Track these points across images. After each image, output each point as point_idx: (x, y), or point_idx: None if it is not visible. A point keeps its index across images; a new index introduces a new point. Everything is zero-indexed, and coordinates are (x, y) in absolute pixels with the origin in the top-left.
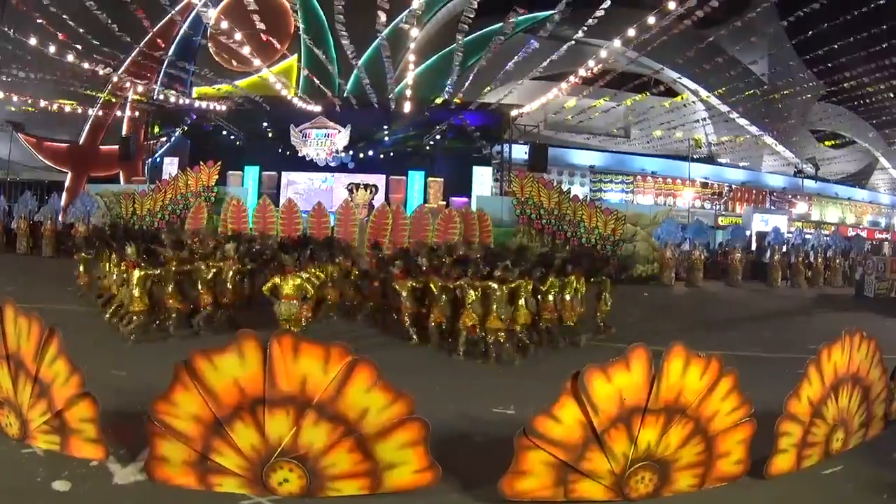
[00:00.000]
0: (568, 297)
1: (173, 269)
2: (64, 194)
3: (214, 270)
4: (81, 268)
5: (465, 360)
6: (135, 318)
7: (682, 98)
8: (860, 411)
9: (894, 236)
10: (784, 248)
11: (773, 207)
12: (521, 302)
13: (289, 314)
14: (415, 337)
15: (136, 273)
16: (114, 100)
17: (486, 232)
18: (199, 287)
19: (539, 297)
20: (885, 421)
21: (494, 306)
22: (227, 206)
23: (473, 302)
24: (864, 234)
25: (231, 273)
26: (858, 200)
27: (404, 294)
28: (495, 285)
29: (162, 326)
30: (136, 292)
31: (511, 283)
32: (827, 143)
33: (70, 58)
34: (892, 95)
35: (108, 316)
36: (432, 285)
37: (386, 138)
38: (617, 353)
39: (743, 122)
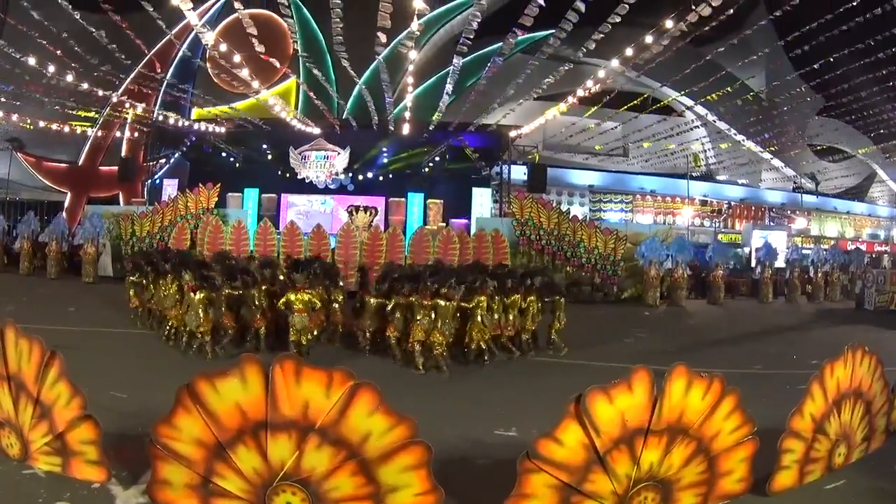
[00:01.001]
0: (511, 316)
1: (225, 292)
2: (63, 215)
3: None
4: (132, 292)
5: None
6: (199, 336)
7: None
8: (862, 425)
9: (893, 248)
10: (774, 264)
11: (772, 223)
12: (478, 318)
13: (301, 325)
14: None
15: (198, 295)
16: (113, 120)
17: (503, 253)
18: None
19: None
20: (886, 433)
21: (438, 322)
22: (206, 227)
23: (422, 318)
24: (863, 247)
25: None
26: (857, 214)
27: (369, 312)
28: (442, 302)
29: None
30: (199, 313)
31: (459, 301)
32: (826, 157)
33: (69, 78)
34: (889, 107)
35: (164, 337)
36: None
37: (385, 160)
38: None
39: (741, 138)
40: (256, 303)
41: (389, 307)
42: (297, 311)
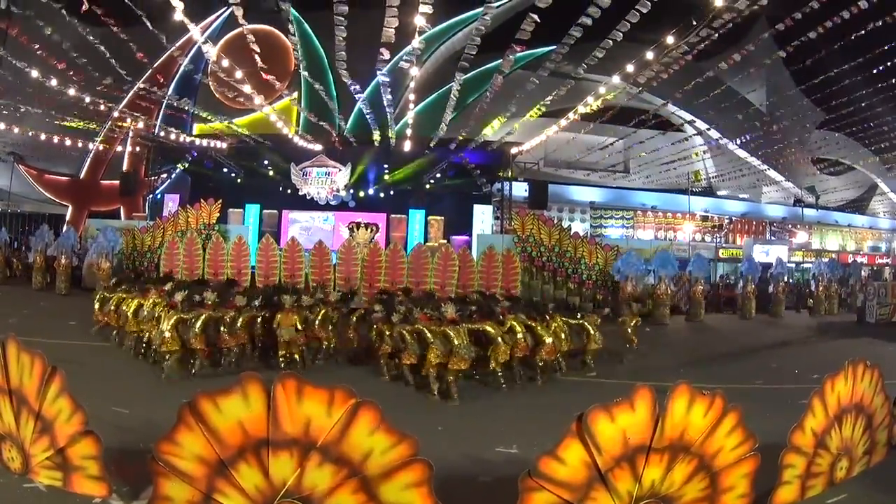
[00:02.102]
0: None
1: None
2: (72, 229)
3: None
4: (97, 306)
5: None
6: (169, 357)
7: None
8: (864, 439)
9: (894, 261)
10: (757, 279)
11: (773, 238)
12: (499, 341)
13: (289, 336)
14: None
15: (169, 314)
16: (115, 135)
17: (513, 275)
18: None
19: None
20: (888, 447)
21: (454, 345)
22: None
23: (435, 342)
24: (864, 259)
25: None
26: (858, 226)
27: (386, 335)
28: (449, 330)
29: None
30: (166, 332)
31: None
32: (827, 170)
33: (71, 91)
34: (890, 119)
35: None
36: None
37: (386, 177)
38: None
39: (742, 153)
40: (228, 321)
41: (399, 335)
42: (285, 325)
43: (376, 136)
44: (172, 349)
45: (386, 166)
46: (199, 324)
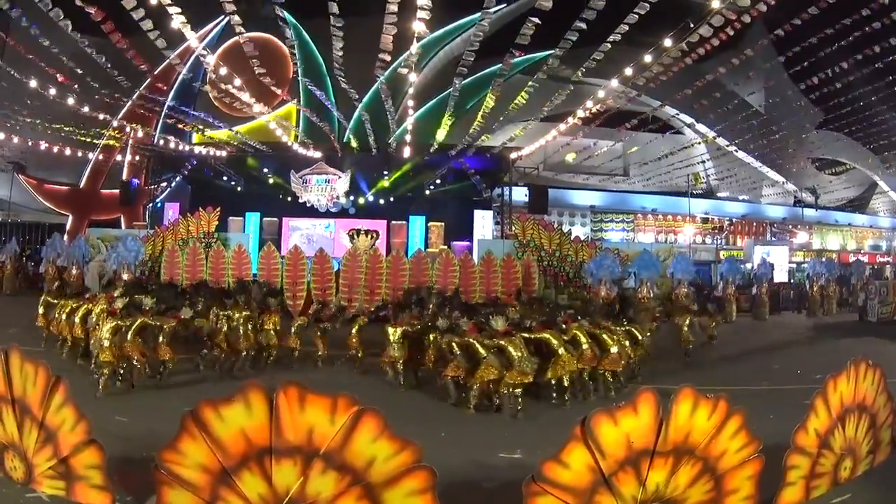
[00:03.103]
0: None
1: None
2: (66, 237)
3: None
4: (41, 310)
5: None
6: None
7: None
8: (867, 438)
9: (895, 259)
10: (738, 280)
11: (773, 238)
12: (561, 351)
13: (268, 340)
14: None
15: (107, 323)
16: (114, 143)
17: (514, 279)
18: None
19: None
20: (892, 445)
21: (514, 359)
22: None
23: (488, 357)
24: (865, 258)
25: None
26: (858, 226)
27: (392, 339)
28: (503, 342)
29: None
30: (104, 342)
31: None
32: (826, 170)
33: (70, 101)
34: (890, 117)
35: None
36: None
37: (386, 183)
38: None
39: (742, 154)
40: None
41: (446, 346)
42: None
43: (373, 142)
44: (107, 360)
45: (386, 172)
46: (132, 331)
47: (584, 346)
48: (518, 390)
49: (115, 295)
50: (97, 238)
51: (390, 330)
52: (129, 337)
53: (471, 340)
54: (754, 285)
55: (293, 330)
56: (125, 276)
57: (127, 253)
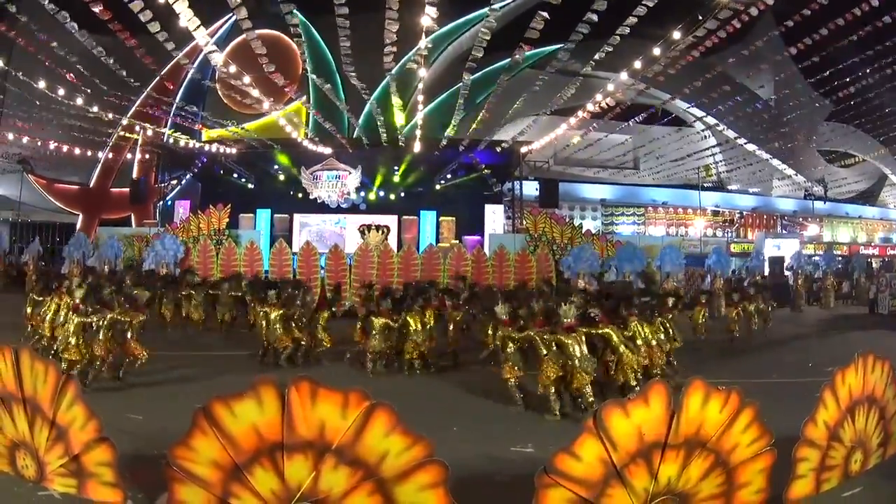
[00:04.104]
0: (654, 341)
1: (108, 317)
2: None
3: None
4: (29, 309)
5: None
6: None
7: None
8: (877, 431)
9: None
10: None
11: (784, 231)
12: (622, 349)
13: (273, 338)
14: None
15: (74, 319)
16: (124, 143)
17: (528, 273)
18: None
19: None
20: None
21: (576, 358)
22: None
23: (549, 354)
24: (875, 251)
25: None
26: (869, 218)
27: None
28: (566, 339)
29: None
30: (71, 339)
31: (589, 331)
32: (836, 162)
33: (80, 101)
34: None
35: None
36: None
37: (397, 178)
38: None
39: (752, 147)
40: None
41: (499, 340)
42: (272, 324)
43: (383, 138)
44: (73, 357)
45: (396, 168)
46: (102, 329)
47: (639, 342)
48: (587, 389)
49: (73, 287)
50: (151, 237)
51: (374, 321)
52: (100, 335)
53: (532, 335)
54: (746, 278)
55: (320, 325)
56: (163, 272)
57: (165, 252)
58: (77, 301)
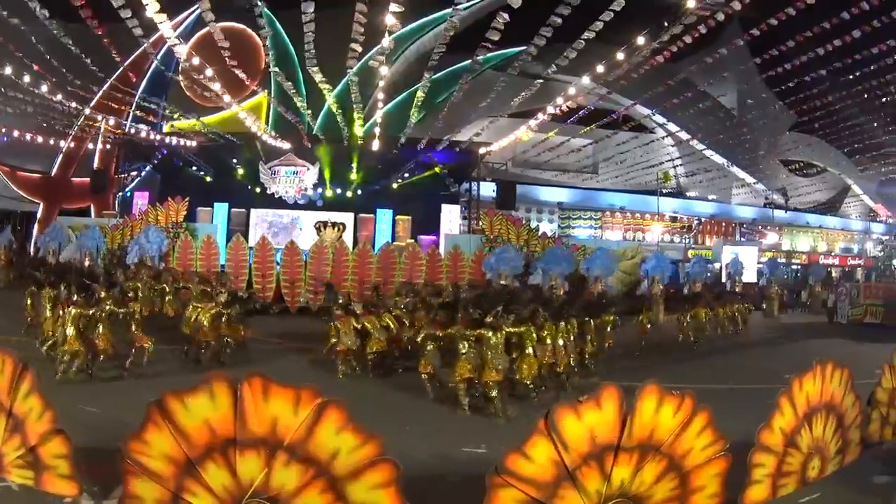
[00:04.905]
0: (561, 342)
1: (107, 309)
2: (36, 226)
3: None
4: (29, 302)
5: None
6: (66, 357)
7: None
8: (836, 438)
9: (867, 262)
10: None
11: (743, 239)
12: (529, 350)
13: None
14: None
15: (72, 311)
16: (85, 133)
17: (483, 274)
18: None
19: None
20: (861, 445)
21: (490, 356)
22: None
23: (468, 352)
24: (836, 261)
25: (210, 315)
26: (830, 228)
27: (344, 332)
28: (489, 333)
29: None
30: (69, 331)
31: (513, 330)
32: (799, 172)
33: (44, 88)
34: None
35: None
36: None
37: (354, 176)
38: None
39: (712, 154)
40: (137, 318)
41: (420, 338)
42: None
43: (343, 134)
44: (73, 349)
45: (354, 165)
46: (104, 320)
47: (549, 342)
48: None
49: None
50: (67, 227)
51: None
52: (100, 328)
53: (451, 331)
54: (685, 284)
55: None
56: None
57: (149, 245)
58: (69, 296)
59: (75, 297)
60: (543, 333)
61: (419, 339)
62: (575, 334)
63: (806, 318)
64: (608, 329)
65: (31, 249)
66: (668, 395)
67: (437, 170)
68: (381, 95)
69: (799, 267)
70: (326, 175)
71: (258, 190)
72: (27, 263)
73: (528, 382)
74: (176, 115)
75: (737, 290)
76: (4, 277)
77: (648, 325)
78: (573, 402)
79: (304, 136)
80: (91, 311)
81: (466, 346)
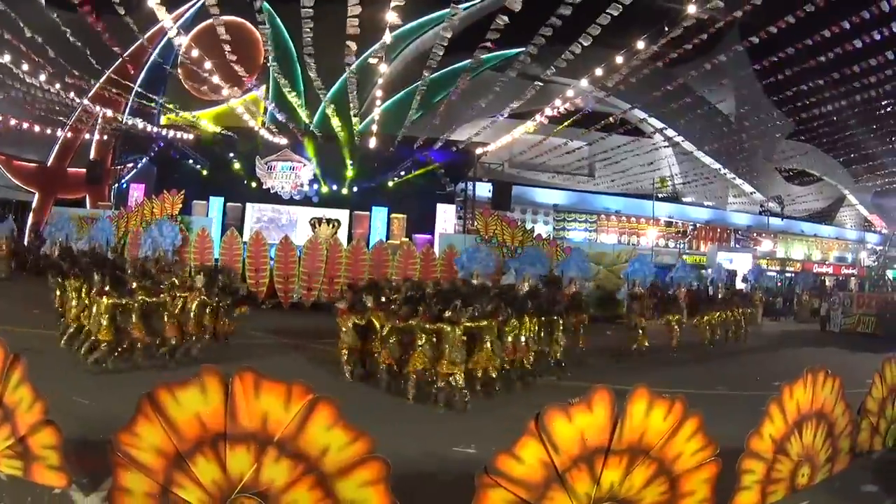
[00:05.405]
0: (523, 338)
1: (139, 299)
2: (31, 215)
3: (181, 302)
4: (57, 292)
5: (414, 403)
6: (102, 346)
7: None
8: (825, 446)
9: (861, 272)
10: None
11: (738, 245)
12: (487, 345)
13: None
14: (348, 375)
15: (105, 301)
16: (83, 124)
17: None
18: (166, 319)
19: (500, 338)
20: (851, 454)
21: (447, 349)
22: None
23: (424, 344)
24: (830, 269)
25: (195, 305)
26: (824, 237)
27: (344, 330)
28: (448, 327)
29: (125, 356)
30: (103, 320)
31: (471, 325)
32: (795, 180)
33: (42, 77)
34: (859, 132)
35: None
36: (377, 323)
37: (350, 173)
38: (577, 391)
39: (709, 160)
40: (170, 311)
41: (386, 331)
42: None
43: (341, 131)
44: (107, 338)
45: (350, 162)
46: (136, 311)
47: (510, 339)
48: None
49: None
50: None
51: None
52: (133, 318)
53: (411, 323)
54: (670, 289)
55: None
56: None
57: (162, 238)
58: (100, 286)
59: (108, 288)
60: (507, 329)
61: (384, 332)
62: (536, 332)
63: (796, 327)
64: (572, 331)
65: (25, 239)
66: (659, 398)
67: (435, 167)
68: (379, 93)
69: (791, 275)
70: (326, 172)
71: (254, 185)
72: (42, 255)
73: (481, 375)
74: (173, 107)
75: (719, 296)
76: (6, 268)
77: (676, 328)
78: (564, 404)
79: (299, 132)
80: (124, 301)
81: (424, 339)
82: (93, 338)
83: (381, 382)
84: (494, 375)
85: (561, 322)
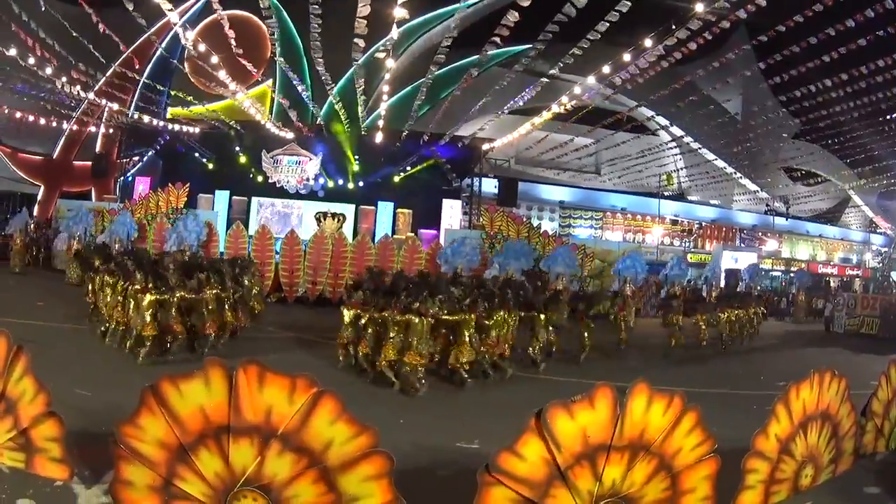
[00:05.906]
0: (494, 333)
1: (178, 295)
2: (36, 207)
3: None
4: (90, 287)
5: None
6: (147, 342)
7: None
8: (829, 447)
9: (865, 273)
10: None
11: (743, 245)
12: (466, 338)
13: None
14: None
15: (147, 297)
16: (88, 117)
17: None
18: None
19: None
20: (855, 456)
21: (414, 340)
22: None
23: (395, 336)
24: (834, 270)
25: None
26: (829, 237)
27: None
28: (415, 318)
29: (167, 350)
30: (146, 316)
31: (449, 318)
32: (801, 180)
33: (49, 70)
34: (866, 133)
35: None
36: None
37: (356, 168)
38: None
39: (714, 158)
40: (210, 307)
41: (363, 321)
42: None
43: (346, 126)
44: (152, 333)
45: (357, 157)
46: (175, 306)
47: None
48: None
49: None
50: (67, 210)
51: (344, 311)
52: (173, 312)
53: (385, 315)
54: (663, 287)
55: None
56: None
57: (187, 233)
58: (143, 283)
59: (149, 284)
60: (489, 323)
61: (362, 323)
62: (512, 326)
63: (797, 327)
64: (553, 327)
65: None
66: (658, 393)
67: (441, 163)
68: (385, 88)
69: (791, 274)
70: (332, 166)
71: (260, 178)
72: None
73: (461, 367)
74: (179, 101)
75: (713, 294)
76: (20, 262)
77: (703, 326)
78: (567, 401)
79: (305, 127)
80: (165, 297)
81: (395, 330)
82: (135, 334)
83: (369, 375)
84: (466, 369)
85: (542, 318)
